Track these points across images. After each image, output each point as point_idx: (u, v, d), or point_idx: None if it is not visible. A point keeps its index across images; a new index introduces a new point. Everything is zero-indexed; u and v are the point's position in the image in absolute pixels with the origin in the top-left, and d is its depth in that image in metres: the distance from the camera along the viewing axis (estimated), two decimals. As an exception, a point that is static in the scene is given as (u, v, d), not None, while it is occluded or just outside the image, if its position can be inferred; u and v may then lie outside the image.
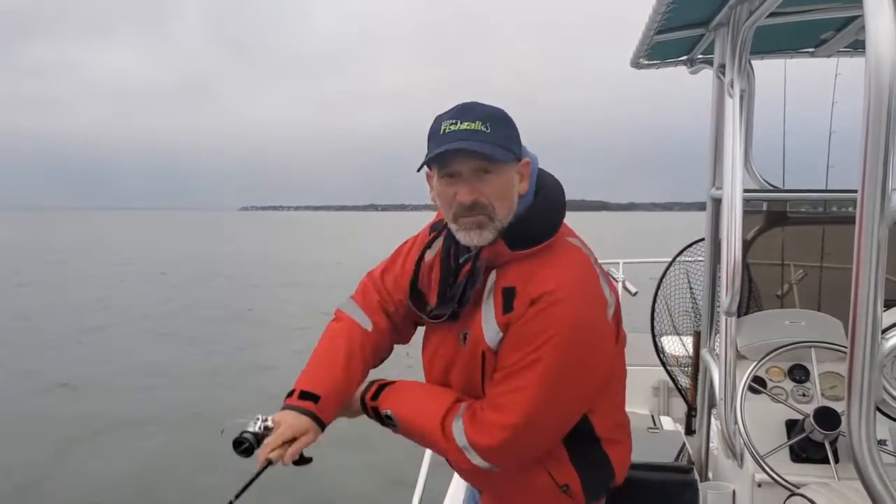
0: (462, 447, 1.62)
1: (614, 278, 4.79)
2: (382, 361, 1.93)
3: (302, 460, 1.62)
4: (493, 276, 1.65)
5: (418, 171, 1.67)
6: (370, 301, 1.88)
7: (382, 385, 1.80)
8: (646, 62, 3.22)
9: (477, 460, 1.61)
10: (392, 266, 1.92)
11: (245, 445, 1.57)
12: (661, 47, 2.97)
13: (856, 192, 1.11)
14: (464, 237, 1.64)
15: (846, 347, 1.16)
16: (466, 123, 1.56)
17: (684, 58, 3.22)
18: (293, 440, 1.60)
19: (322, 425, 1.67)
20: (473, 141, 1.53)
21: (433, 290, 1.79)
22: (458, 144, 1.53)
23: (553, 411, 1.59)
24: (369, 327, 1.84)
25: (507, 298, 1.60)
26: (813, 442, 2.36)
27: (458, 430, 1.63)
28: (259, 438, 1.58)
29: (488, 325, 1.63)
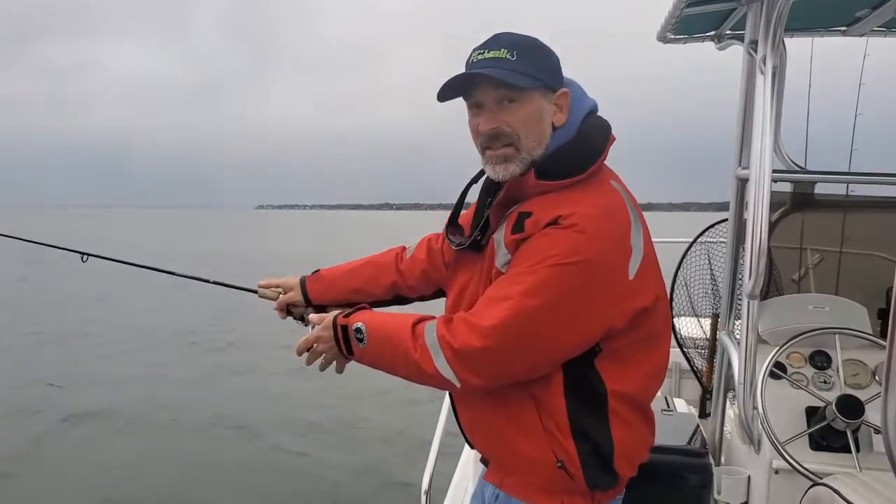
0: (429, 345, 1.49)
1: None
2: (413, 292, 1.99)
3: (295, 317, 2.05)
4: (517, 207, 1.56)
5: (439, 100, 1.61)
6: (423, 240, 2.00)
7: (360, 308, 1.74)
8: (672, 36, 3.13)
9: (441, 363, 1.48)
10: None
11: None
12: (690, 21, 2.88)
13: (886, 175, 1.04)
14: (490, 171, 1.59)
15: (873, 335, 1.10)
16: (493, 52, 1.51)
17: (712, 33, 3.13)
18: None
19: (305, 293, 2.01)
20: (495, 69, 1.49)
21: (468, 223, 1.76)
22: (475, 69, 1.51)
23: (529, 332, 1.44)
24: (408, 254, 2.00)
25: (520, 220, 1.51)
26: (834, 430, 2.32)
27: (429, 329, 1.52)
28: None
29: (499, 247, 1.55)
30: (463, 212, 1.85)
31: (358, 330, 1.63)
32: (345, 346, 1.67)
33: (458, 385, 1.49)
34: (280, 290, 2.05)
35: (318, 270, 2.05)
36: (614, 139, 1.60)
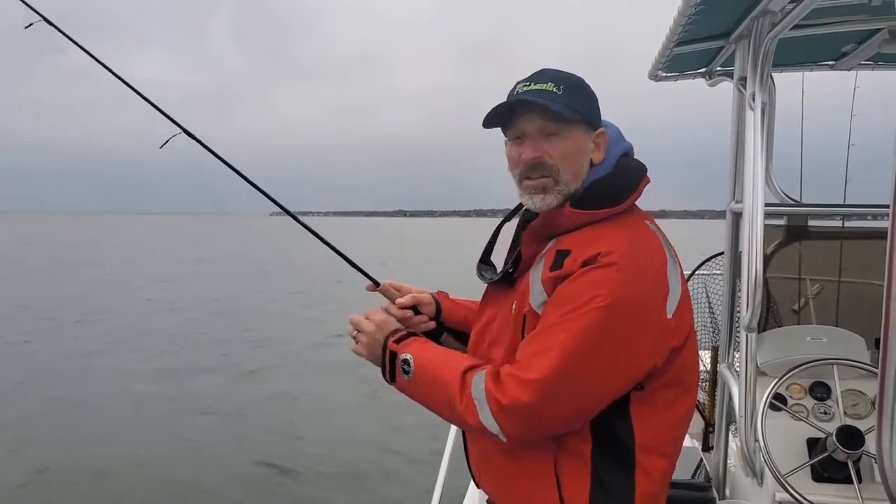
0: (475, 398, 1.46)
1: None
2: None
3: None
4: (553, 242, 1.56)
5: (484, 126, 1.63)
6: None
7: (412, 333, 1.72)
8: (664, 74, 3.20)
9: (486, 417, 1.44)
10: None
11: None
12: (680, 59, 2.95)
13: (878, 206, 1.07)
14: (527, 201, 1.60)
15: (870, 365, 1.12)
16: (539, 85, 1.54)
17: (703, 70, 3.21)
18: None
19: (438, 304, 1.92)
20: (537, 99, 1.52)
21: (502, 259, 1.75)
22: (524, 96, 1.53)
23: (578, 381, 1.40)
24: None
25: (559, 258, 1.49)
26: (835, 461, 2.32)
27: (477, 380, 1.48)
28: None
29: (535, 284, 1.52)
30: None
31: (406, 362, 1.61)
32: (389, 372, 1.66)
33: (504, 439, 1.45)
34: (398, 294, 1.91)
35: (438, 291, 1.99)
36: (649, 181, 1.61)
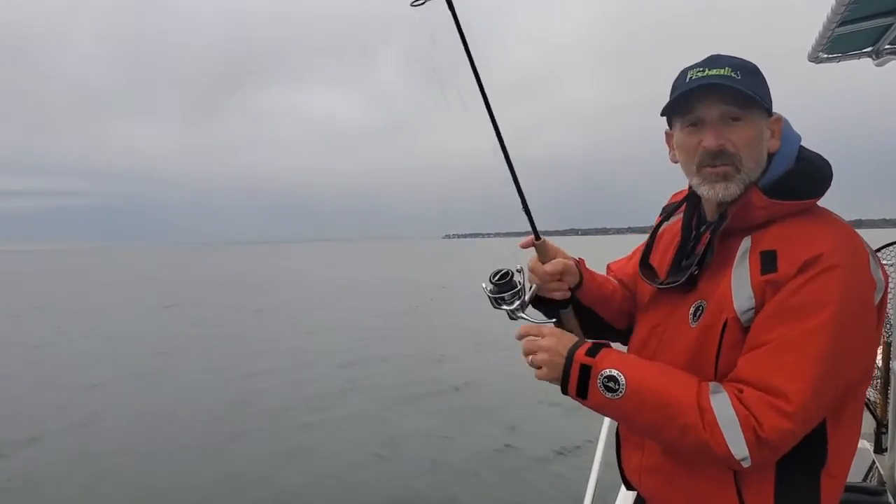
0: (723, 423, 1.32)
1: None
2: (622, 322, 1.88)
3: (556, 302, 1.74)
4: (747, 240, 1.46)
5: (662, 115, 1.58)
6: (609, 273, 1.96)
7: (599, 344, 1.55)
8: (825, 56, 3.04)
9: (738, 445, 1.31)
10: (621, 260, 1.95)
11: (506, 273, 1.70)
12: (843, 39, 2.80)
13: None
14: (707, 190, 1.51)
15: None
16: (715, 70, 1.46)
17: (869, 49, 3.02)
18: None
19: (581, 272, 1.77)
20: (724, 82, 1.44)
21: (666, 262, 1.68)
22: (705, 80, 1.45)
23: (827, 397, 1.33)
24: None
25: (767, 259, 1.39)
26: None
27: (718, 402, 1.35)
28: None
29: (740, 288, 1.41)
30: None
31: (612, 379, 1.44)
32: (577, 387, 1.49)
33: (747, 466, 1.34)
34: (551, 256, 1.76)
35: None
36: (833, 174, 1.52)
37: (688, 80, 1.50)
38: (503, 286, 1.69)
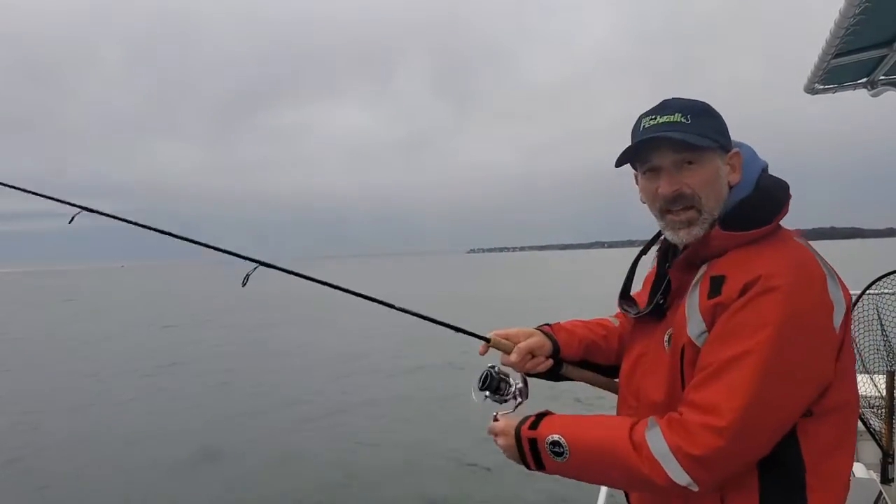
0: (658, 456, 1.38)
1: None
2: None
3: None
4: (704, 268, 1.51)
5: (616, 166, 1.63)
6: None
7: (541, 414, 1.62)
8: (821, 87, 3.08)
9: (677, 472, 1.36)
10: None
11: (485, 377, 1.78)
12: (839, 70, 2.83)
13: None
14: (672, 236, 1.58)
15: None
16: (665, 117, 1.52)
17: (864, 80, 3.06)
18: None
19: (555, 341, 1.84)
20: (674, 132, 1.49)
21: (645, 293, 1.74)
22: (652, 133, 1.51)
23: (767, 415, 1.35)
24: (616, 323, 1.97)
25: (715, 284, 1.44)
26: None
27: (653, 437, 1.40)
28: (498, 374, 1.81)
29: (692, 314, 1.47)
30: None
31: (556, 444, 1.52)
32: (533, 460, 1.57)
33: (697, 488, 1.38)
34: (510, 343, 1.83)
35: (545, 324, 1.94)
36: (791, 196, 1.55)
37: (641, 129, 1.56)
38: (494, 386, 1.79)
